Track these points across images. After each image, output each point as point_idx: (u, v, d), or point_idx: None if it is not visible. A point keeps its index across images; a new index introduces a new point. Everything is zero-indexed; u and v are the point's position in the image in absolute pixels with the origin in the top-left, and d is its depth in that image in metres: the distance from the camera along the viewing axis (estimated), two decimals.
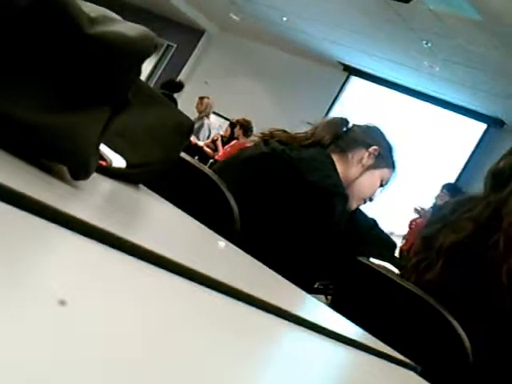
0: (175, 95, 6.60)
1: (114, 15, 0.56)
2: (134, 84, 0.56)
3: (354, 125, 1.85)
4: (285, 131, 1.78)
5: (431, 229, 1.39)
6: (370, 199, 1.85)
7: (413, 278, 1.37)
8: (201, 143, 7.35)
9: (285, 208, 1.58)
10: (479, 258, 1.25)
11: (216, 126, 8.98)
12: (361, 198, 1.82)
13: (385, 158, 1.83)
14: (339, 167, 1.72)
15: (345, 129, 1.82)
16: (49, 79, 0.50)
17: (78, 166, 0.51)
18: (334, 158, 1.73)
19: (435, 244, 1.34)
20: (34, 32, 0.49)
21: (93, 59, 0.51)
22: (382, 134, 1.86)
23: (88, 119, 0.52)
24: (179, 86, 7.10)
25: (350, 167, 1.77)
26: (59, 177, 0.51)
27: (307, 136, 1.77)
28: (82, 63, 0.51)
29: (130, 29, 0.54)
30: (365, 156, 1.78)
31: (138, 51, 0.53)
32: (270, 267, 0.82)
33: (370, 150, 1.79)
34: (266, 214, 1.58)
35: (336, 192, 1.61)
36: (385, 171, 1.83)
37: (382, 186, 1.85)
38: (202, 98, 7.61)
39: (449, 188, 5.47)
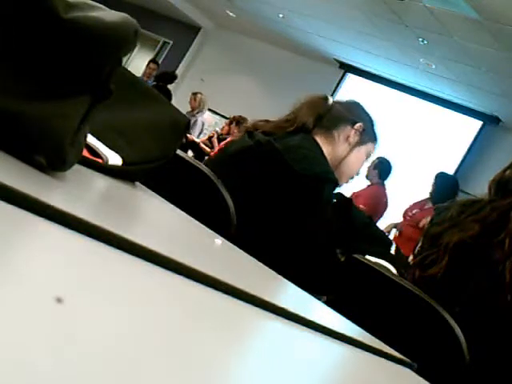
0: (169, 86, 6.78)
1: (96, 3, 0.53)
2: (115, 72, 0.53)
3: (334, 102, 1.84)
4: (267, 121, 1.76)
5: (437, 228, 1.41)
6: (357, 174, 1.89)
7: (417, 273, 1.38)
8: (198, 140, 7.34)
9: (275, 199, 1.57)
10: (484, 257, 1.27)
11: (212, 123, 8.96)
12: (350, 175, 1.85)
13: (368, 133, 1.84)
14: (326, 148, 1.72)
15: (326, 107, 1.80)
16: (23, 66, 0.48)
17: (53, 155, 0.49)
18: (320, 139, 1.73)
19: (441, 242, 1.35)
20: (7, 16, 0.47)
21: (68, 44, 0.48)
22: (363, 109, 1.87)
23: (64, 108, 0.50)
24: (172, 77, 7.38)
25: (337, 146, 1.78)
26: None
27: (290, 122, 1.74)
28: (58, 49, 0.48)
29: (109, 15, 0.51)
30: (351, 134, 1.79)
31: (115, 37, 0.51)
32: (263, 261, 0.81)
33: (356, 127, 1.80)
34: (257, 207, 1.56)
35: (326, 178, 1.61)
36: (369, 146, 1.86)
37: (366, 159, 1.89)
38: (195, 94, 7.59)
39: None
